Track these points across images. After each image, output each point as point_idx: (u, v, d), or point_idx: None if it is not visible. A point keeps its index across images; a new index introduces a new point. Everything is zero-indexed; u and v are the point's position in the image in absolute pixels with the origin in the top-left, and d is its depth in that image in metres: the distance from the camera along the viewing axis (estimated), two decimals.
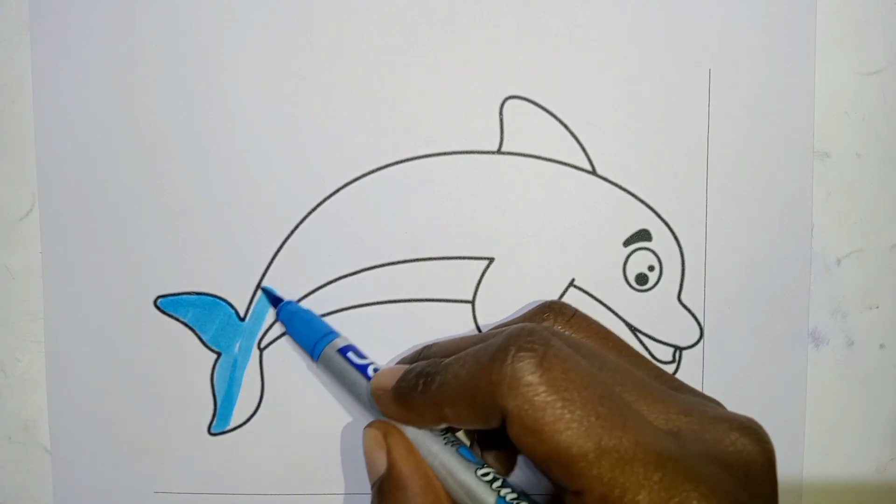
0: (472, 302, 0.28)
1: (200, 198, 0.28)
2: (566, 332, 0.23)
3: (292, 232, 0.28)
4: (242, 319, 0.28)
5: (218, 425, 0.28)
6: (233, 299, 0.28)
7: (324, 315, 0.28)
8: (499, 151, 0.28)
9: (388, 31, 0.27)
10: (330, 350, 0.25)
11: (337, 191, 0.28)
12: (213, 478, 0.28)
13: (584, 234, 0.28)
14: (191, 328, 0.28)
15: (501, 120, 0.28)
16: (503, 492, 0.21)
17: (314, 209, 0.28)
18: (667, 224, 0.28)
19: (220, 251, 0.28)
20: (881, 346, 0.29)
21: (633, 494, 0.17)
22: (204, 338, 0.28)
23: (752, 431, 0.19)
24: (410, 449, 0.22)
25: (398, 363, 0.25)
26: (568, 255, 0.28)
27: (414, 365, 0.22)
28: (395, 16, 0.27)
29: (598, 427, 0.18)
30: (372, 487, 0.23)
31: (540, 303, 0.25)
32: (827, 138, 0.28)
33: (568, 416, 0.18)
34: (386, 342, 0.28)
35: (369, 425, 0.23)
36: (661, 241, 0.28)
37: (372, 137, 0.28)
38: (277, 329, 0.28)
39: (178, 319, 0.28)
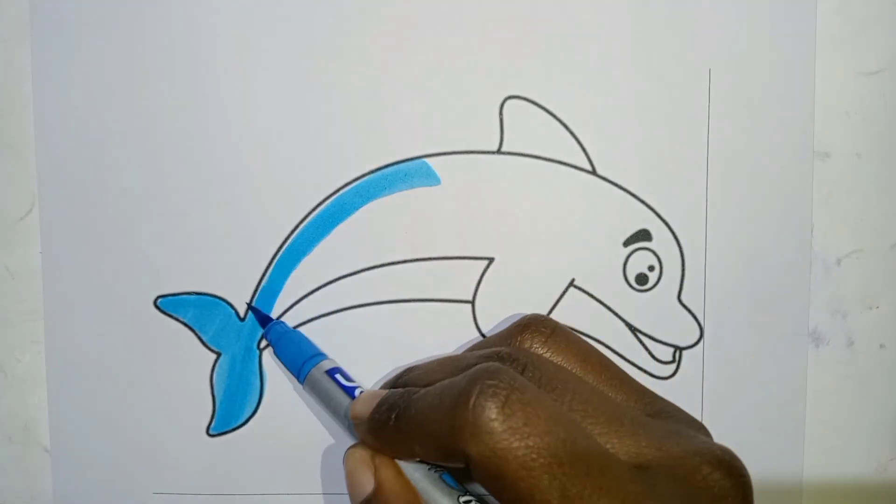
0: (472, 302, 0.28)
1: (200, 198, 0.28)
2: (543, 353, 0.23)
3: (292, 232, 0.28)
4: (242, 319, 0.28)
5: (217, 426, 0.28)
6: (233, 299, 0.28)
7: (324, 315, 0.28)
8: (499, 151, 0.28)
9: (388, 31, 0.27)
10: (317, 372, 0.25)
11: (337, 191, 0.28)
12: (212, 478, 0.28)
13: (584, 234, 0.28)
14: (191, 328, 0.28)
15: (501, 120, 0.28)
16: None
17: (314, 209, 0.28)
18: (667, 224, 0.28)
19: (220, 251, 0.28)
20: (881, 346, 0.29)
21: None
22: (204, 338, 0.28)
23: (725, 464, 0.19)
24: (398, 471, 0.21)
25: (382, 386, 0.25)
26: (568, 255, 0.28)
27: (388, 394, 0.22)
28: (395, 16, 0.27)
29: (562, 475, 0.17)
30: None
31: (520, 317, 0.24)
32: (827, 138, 0.28)
33: (530, 464, 0.17)
34: (386, 342, 0.28)
35: (354, 446, 0.23)
36: (661, 241, 0.28)
37: (372, 137, 0.28)
38: None
39: (178, 319, 0.28)
